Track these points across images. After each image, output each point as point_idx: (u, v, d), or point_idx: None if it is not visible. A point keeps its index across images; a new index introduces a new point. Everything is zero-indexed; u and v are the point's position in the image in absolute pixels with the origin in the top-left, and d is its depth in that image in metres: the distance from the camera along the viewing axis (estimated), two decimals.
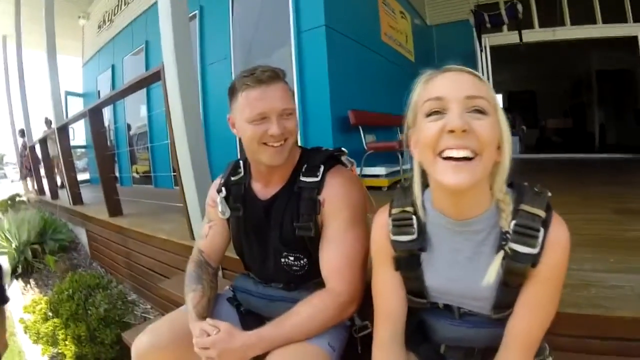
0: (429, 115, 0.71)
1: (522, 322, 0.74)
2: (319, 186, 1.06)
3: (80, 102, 9.13)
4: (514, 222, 0.72)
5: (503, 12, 5.96)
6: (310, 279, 1.12)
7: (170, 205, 3.24)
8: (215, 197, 1.21)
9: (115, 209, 3.44)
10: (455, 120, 0.66)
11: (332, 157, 1.12)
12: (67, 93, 8.97)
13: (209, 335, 0.94)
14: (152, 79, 2.46)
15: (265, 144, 1.03)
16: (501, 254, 0.73)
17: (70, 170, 4.42)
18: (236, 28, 4.77)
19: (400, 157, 3.89)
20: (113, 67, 7.71)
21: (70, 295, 2.17)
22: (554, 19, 6.69)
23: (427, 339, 0.89)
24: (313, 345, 0.98)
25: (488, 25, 6.14)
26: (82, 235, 4.19)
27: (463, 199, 0.74)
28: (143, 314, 2.66)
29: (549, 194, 0.74)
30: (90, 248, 3.98)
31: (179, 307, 1.21)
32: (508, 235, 0.73)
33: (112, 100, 3.74)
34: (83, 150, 9.19)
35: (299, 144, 1.21)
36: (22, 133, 7.89)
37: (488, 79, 6.64)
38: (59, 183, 6.15)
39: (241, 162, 1.22)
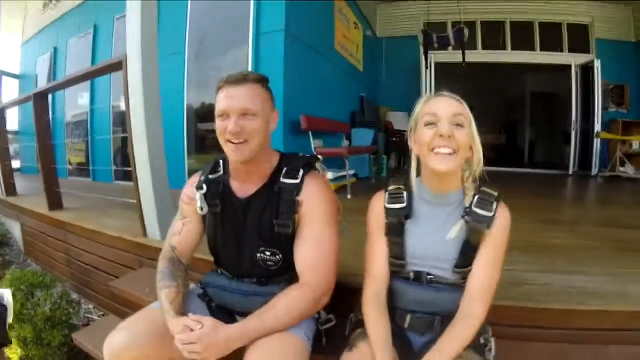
0: (427, 124, 1.02)
1: (479, 277, 1.02)
2: (298, 188, 1.14)
3: (15, 83, 8.39)
4: (477, 196, 1.04)
5: (450, 35, 6.36)
6: (281, 274, 1.19)
7: (113, 200, 3.12)
8: (192, 194, 1.23)
9: (55, 202, 3.23)
10: (445, 129, 0.98)
11: (309, 163, 1.22)
12: (2, 73, 8.17)
13: (192, 330, 0.96)
14: (112, 68, 2.37)
15: (228, 140, 1.10)
16: (462, 220, 1.03)
17: (5, 158, 4.07)
18: (193, 22, 4.66)
19: (347, 163, 4.02)
20: (55, 49, 7.16)
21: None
22: (496, 43, 7.27)
23: (395, 311, 1.09)
24: (292, 334, 1.05)
25: (435, 45, 6.51)
26: (15, 229, 3.88)
27: (444, 179, 1.05)
28: (86, 314, 2.54)
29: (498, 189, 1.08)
30: (24, 243, 3.69)
31: (131, 307, 1.19)
32: (468, 209, 1.03)
33: (62, 86, 3.51)
34: (12, 136, 8.43)
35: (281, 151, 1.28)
36: None
37: (430, 92, 7.03)
38: None
39: (221, 161, 1.26)
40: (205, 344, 0.95)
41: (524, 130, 11.27)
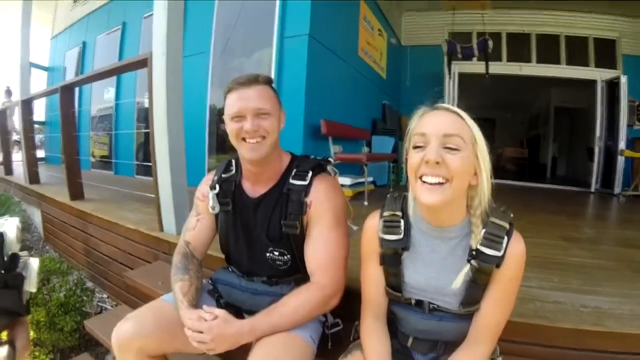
0: (415, 147, 0.88)
1: (488, 316, 0.92)
2: (306, 189, 1.15)
3: (44, 76, 8.67)
4: (484, 230, 0.90)
5: (475, 46, 6.30)
6: (291, 274, 1.21)
7: (132, 194, 3.20)
8: (206, 192, 1.27)
9: (77, 192, 3.32)
10: (431, 154, 0.84)
11: (319, 165, 1.23)
12: (31, 65, 8.46)
13: (205, 320, 0.99)
14: (137, 65, 2.43)
15: (243, 139, 1.13)
16: (467, 266, 0.91)
17: (31, 147, 4.21)
18: (219, 23, 4.74)
19: (365, 169, 4.00)
20: (84, 44, 7.39)
21: None
22: (521, 55, 7.16)
23: (397, 331, 1.04)
24: (297, 335, 1.06)
25: (459, 55, 6.46)
26: (36, 216, 4.00)
27: (439, 212, 0.92)
28: (99, 303, 2.60)
29: (512, 215, 0.93)
30: (44, 230, 3.81)
31: (144, 298, 1.22)
32: (474, 252, 0.90)
33: (89, 80, 3.61)
34: (39, 126, 8.70)
35: (293, 153, 1.29)
36: (9, 92, 7.21)
37: (453, 103, 6.96)
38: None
39: (233, 161, 1.30)
40: (214, 334, 0.97)
41: (547, 145, 11.06)
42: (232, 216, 1.25)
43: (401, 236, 0.97)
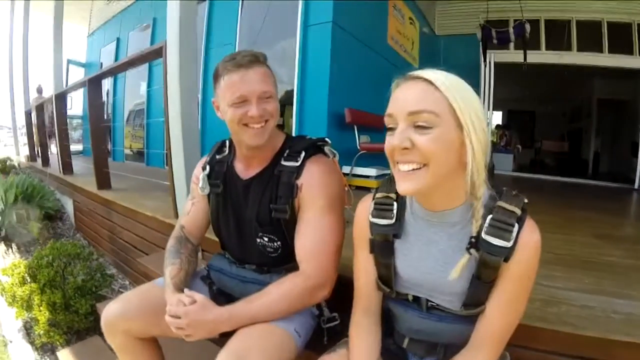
0: (387, 129, 0.77)
1: (494, 320, 0.78)
2: (297, 171, 1.08)
3: (82, 72, 9.04)
4: (490, 216, 0.76)
5: (511, 30, 5.98)
6: (283, 263, 1.15)
7: (159, 183, 3.25)
8: (199, 174, 1.23)
9: (104, 181, 3.42)
10: (397, 138, 0.72)
11: (314, 145, 1.14)
12: (69, 61, 8.87)
13: (185, 305, 0.96)
14: (154, 55, 2.46)
15: (246, 125, 1.06)
16: (466, 256, 0.78)
17: (64, 139, 4.38)
18: (245, 15, 4.76)
19: None
20: (118, 40, 7.65)
21: (49, 261, 2.17)
22: (561, 43, 6.74)
23: (393, 330, 0.94)
24: (279, 327, 1.00)
25: (495, 41, 6.15)
26: (68, 205, 4.17)
27: (429, 197, 0.80)
28: (120, 289, 2.66)
29: (526, 200, 0.78)
30: (75, 219, 3.96)
31: None
32: (473, 240, 0.77)
33: (112, 72, 3.73)
34: (79, 121, 9.11)
35: (294, 134, 1.23)
36: (40, 90, 7.59)
37: (489, 95, 6.68)
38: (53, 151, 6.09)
39: (227, 141, 1.25)
40: (190, 319, 0.94)
41: (589, 139, 10.42)
42: (223, 198, 1.20)
43: (392, 221, 0.85)
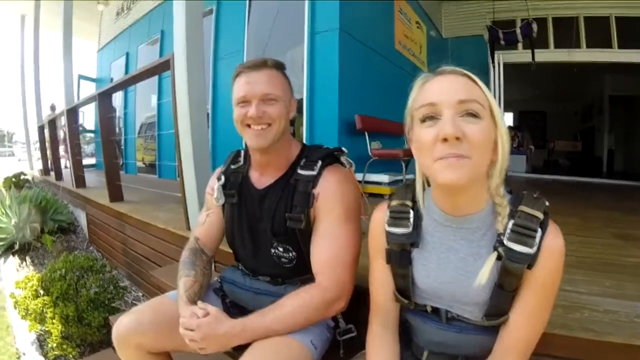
0: (423, 121, 0.72)
1: (518, 331, 0.75)
2: (314, 180, 1.07)
3: (93, 87, 9.18)
4: (512, 222, 0.73)
5: (518, 30, 5.94)
6: (297, 274, 1.12)
7: (170, 195, 3.26)
8: (214, 185, 1.23)
9: (116, 194, 3.45)
10: (448, 127, 0.67)
11: (331, 155, 1.13)
12: (80, 77, 9.03)
13: (198, 317, 0.95)
14: (162, 67, 2.47)
15: (248, 126, 1.07)
16: (495, 254, 0.74)
17: (76, 153, 4.44)
18: (252, 25, 4.79)
19: (404, 166, 3.83)
20: (127, 54, 7.75)
21: (62, 274, 2.18)
22: (569, 41, 6.66)
23: (411, 342, 0.90)
24: (295, 340, 0.98)
25: (502, 42, 6.11)
26: (82, 218, 4.21)
27: (460, 197, 0.75)
28: (134, 301, 2.66)
29: (547, 203, 0.75)
30: (88, 231, 4.00)
31: None
32: (502, 237, 0.73)
33: (122, 86, 3.76)
34: (92, 135, 9.25)
35: (305, 143, 1.22)
36: (53, 108, 7.79)
37: (499, 96, 6.62)
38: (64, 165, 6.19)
39: (242, 151, 1.25)
40: (204, 333, 0.92)
41: (602, 137, 10.26)
42: (238, 208, 1.19)
43: (409, 229, 0.82)
